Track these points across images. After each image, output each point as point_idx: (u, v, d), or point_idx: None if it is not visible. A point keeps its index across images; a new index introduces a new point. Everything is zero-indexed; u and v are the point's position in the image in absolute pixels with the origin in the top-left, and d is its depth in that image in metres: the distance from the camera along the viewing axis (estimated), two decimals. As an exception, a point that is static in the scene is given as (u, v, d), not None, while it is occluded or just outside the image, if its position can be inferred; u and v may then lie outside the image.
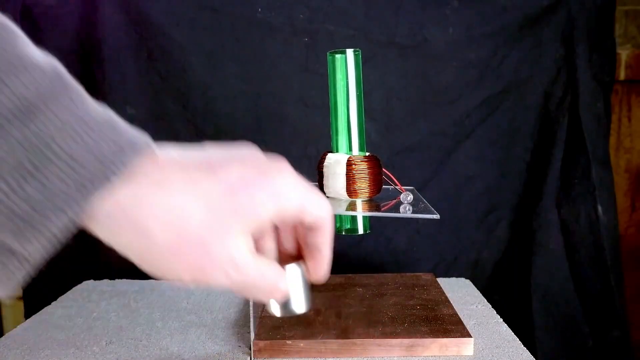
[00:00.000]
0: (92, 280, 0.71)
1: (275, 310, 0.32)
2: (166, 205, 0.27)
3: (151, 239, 0.27)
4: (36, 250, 0.26)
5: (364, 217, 0.52)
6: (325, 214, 0.30)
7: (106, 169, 0.26)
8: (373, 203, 0.51)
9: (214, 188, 0.27)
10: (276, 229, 0.33)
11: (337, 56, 0.51)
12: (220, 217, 0.27)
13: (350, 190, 0.50)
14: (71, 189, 0.25)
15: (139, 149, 0.27)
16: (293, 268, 0.32)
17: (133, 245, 0.27)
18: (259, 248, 0.31)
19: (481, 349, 0.50)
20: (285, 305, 0.32)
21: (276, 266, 0.30)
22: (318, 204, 0.30)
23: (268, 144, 0.75)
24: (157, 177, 0.27)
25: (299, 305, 0.32)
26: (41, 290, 0.74)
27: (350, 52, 0.51)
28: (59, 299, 0.64)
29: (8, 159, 0.24)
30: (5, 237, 0.25)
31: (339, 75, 0.51)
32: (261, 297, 0.30)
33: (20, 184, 0.25)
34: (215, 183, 0.27)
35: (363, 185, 0.49)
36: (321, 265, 0.32)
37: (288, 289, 0.31)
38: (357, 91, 0.51)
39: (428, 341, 0.48)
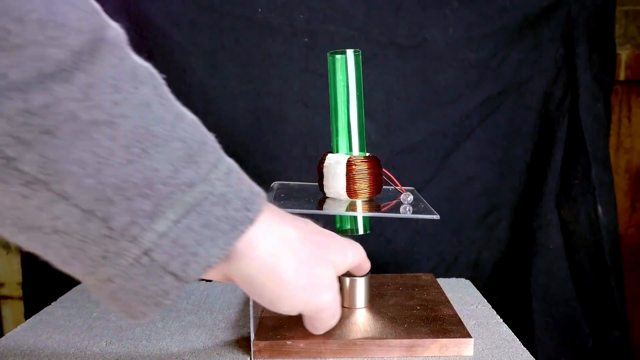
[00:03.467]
0: (92, 281, 0.71)
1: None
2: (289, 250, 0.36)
3: (282, 278, 0.35)
4: (194, 274, 0.31)
5: (364, 218, 0.52)
6: (363, 256, 0.47)
7: (248, 210, 0.32)
8: (373, 203, 0.51)
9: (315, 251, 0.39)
10: None
11: (337, 57, 0.51)
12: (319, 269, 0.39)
13: (351, 191, 0.49)
14: (225, 227, 0.31)
15: (262, 197, 0.34)
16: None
17: (264, 283, 0.35)
18: None
19: (481, 349, 0.50)
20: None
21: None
22: (360, 253, 0.46)
23: (268, 144, 0.75)
24: (276, 223, 0.36)
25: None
26: (41, 290, 0.74)
27: (350, 53, 0.50)
28: (59, 299, 0.64)
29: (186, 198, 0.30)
30: (170, 263, 0.30)
31: (339, 76, 0.51)
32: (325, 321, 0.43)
33: (182, 218, 0.30)
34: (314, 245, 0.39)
35: (363, 186, 0.49)
36: (364, 271, 0.52)
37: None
38: (357, 91, 0.51)
39: (428, 341, 0.48)
